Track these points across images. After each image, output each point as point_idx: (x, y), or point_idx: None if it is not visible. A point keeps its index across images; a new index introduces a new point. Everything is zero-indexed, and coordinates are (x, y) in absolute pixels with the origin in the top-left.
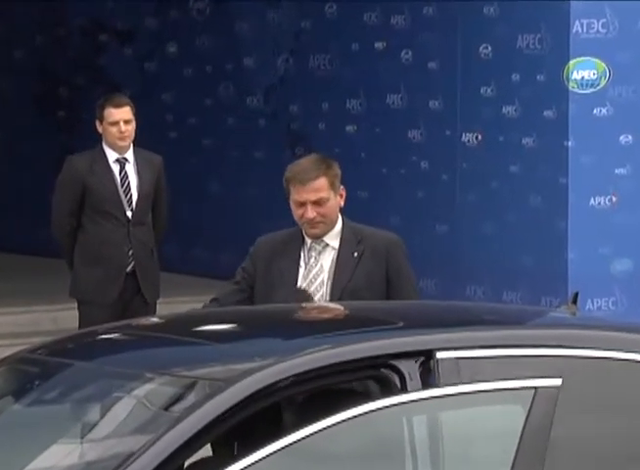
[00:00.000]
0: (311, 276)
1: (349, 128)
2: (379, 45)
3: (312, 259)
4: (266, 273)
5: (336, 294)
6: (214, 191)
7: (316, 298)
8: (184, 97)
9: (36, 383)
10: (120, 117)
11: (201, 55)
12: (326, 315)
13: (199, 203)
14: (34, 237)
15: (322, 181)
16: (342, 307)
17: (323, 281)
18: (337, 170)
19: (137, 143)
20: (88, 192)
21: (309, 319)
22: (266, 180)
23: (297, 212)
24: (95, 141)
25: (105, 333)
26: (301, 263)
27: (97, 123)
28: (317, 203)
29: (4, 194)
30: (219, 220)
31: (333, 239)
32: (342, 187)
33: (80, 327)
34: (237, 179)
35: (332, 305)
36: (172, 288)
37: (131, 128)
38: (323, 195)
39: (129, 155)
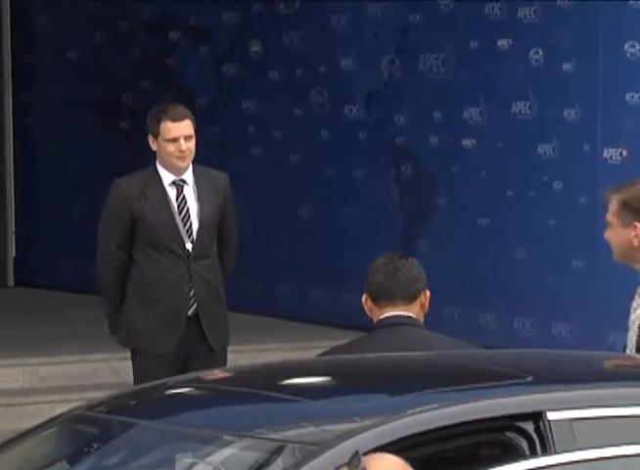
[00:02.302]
0: None
1: (467, 143)
2: (503, 43)
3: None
4: None
5: None
6: (304, 215)
7: None
8: (269, 105)
9: (95, 445)
10: (180, 134)
11: (289, 55)
12: (428, 367)
13: (285, 229)
14: (89, 273)
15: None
16: (439, 357)
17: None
18: None
19: (200, 159)
20: (139, 221)
21: (413, 371)
22: (367, 203)
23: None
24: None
25: (173, 387)
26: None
27: (150, 139)
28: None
29: (53, 221)
30: (309, 250)
31: None
32: None
33: (135, 381)
34: (331, 202)
35: (430, 355)
36: (249, 332)
37: (192, 146)
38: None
39: (188, 175)
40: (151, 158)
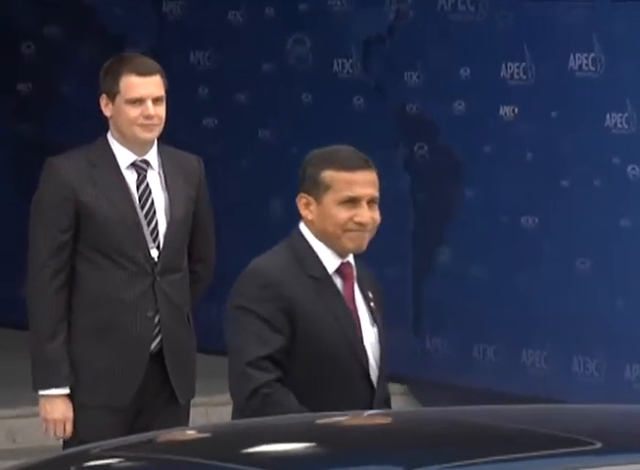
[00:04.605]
0: None
1: (505, 111)
2: None
3: None
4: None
5: None
6: (276, 213)
7: None
8: (228, 58)
9: None
10: (148, 93)
11: None
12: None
13: (253, 233)
14: None
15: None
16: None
17: None
18: None
19: (164, 137)
20: (86, 217)
21: (459, 434)
22: None
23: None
24: (82, 133)
25: (99, 457)
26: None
27: (102, 101)
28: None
29: None
30: None
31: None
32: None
33: (70, 442)
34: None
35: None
36: (217, 377)
37: (162, 112)
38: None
39: (152, 156)
40: (62, 132)
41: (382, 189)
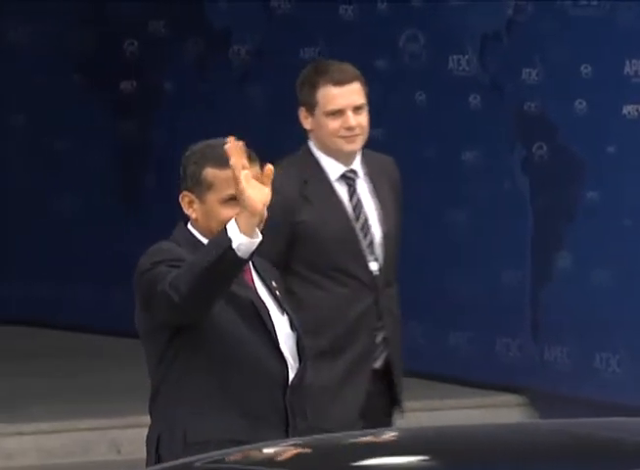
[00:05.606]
0: None
1: (630, 110)
2: None
3: None
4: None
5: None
6: None
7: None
8: (338, 55)
9: None
10: (347, 103)
11: None
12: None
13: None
14: (86, 303)
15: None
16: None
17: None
18: None
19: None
20: (302, 237)
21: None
22: (481, 199)
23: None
24: (185, 132)
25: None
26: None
27: (301, 113)
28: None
29: (27, 228)
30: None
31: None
32: None
33: None
34: (430, 198)
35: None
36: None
37: (364, 121)
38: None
39: (357, 163)
40: (165, 131)
41: (498, 192)
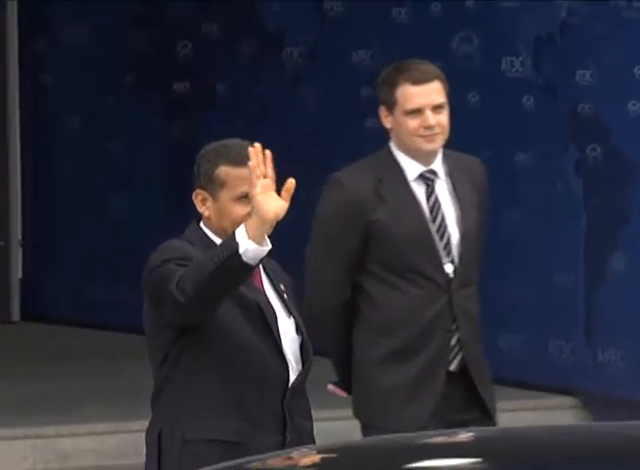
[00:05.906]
0: None
1: None
2: None
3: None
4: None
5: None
6: None
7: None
8: (389, 56)
9: None
10: (426, 102)
11: None
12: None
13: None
14: (130, 304)
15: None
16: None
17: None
18: None
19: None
20: (375, 236)
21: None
22: (534, 201)
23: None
24: (238, 134)
25: None
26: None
27: (382, 112)
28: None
29: (76, 228)
30: None
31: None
32: None
33: None
34: None
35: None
36: None
37: (444, 120)
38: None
39: (437, 164)
40: (218, 133)
41: (551, 194)
